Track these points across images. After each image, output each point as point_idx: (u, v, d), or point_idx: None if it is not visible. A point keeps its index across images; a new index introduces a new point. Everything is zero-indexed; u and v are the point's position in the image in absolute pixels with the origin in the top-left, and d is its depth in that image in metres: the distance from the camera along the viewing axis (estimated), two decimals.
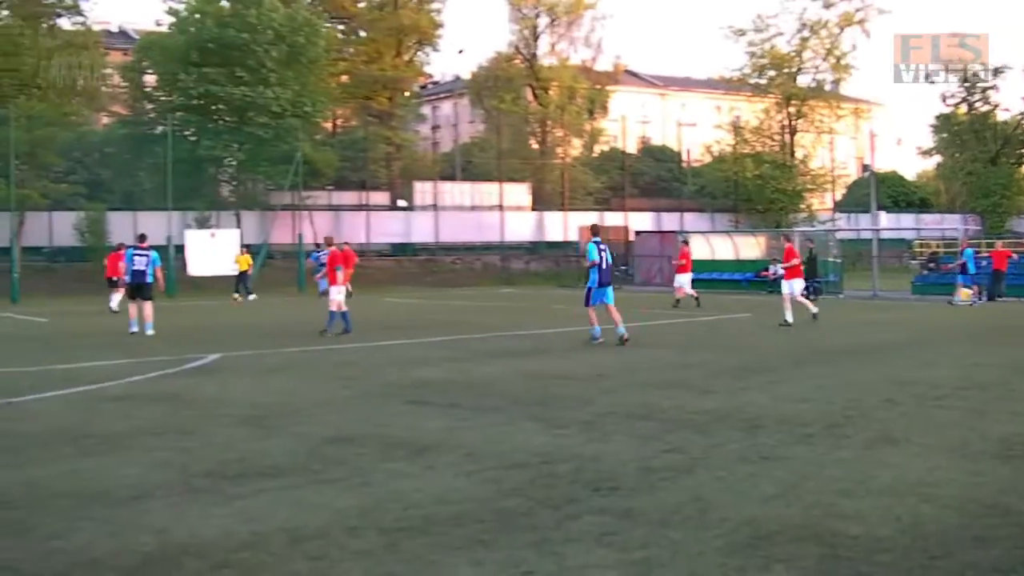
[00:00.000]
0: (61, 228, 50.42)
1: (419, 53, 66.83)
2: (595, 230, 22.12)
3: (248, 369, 16.91)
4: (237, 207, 54.48)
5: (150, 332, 23.84)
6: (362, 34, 64.96)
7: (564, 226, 62.16)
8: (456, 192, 62.83)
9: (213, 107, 52.06)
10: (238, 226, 51.01)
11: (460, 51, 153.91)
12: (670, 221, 64.05)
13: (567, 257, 59.73)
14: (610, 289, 21.32)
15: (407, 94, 68.79)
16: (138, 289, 24.80)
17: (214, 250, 45.82)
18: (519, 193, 63.78)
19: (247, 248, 44.84)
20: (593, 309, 21.27)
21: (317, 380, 15.40)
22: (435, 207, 60.16)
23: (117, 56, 61.33)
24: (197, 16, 51.33)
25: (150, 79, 56.50)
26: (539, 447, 9.84)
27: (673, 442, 10.06)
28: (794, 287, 25.61)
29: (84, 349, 20.79)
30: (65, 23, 51.45)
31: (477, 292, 46.18)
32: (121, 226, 50.78)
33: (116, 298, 32.30)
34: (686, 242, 38.03)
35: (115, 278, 32.66)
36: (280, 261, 53.15)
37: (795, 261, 25.92)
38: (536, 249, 62.37)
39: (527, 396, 13.32)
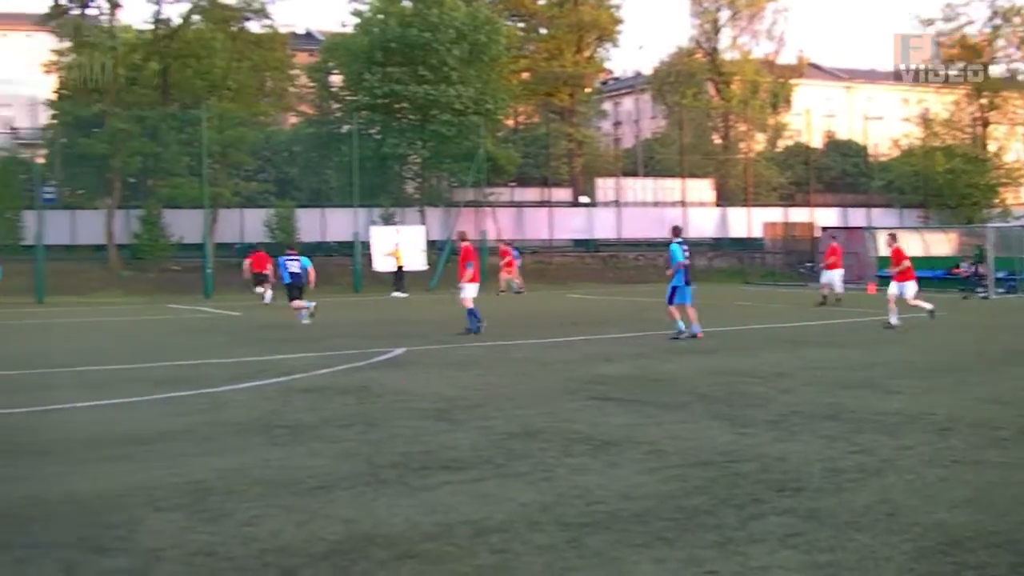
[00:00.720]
0: (252, 225, 51.86)
1: (599, 49, 66.70)
2: (677, 231, 22.65)
3: (433, 363, 17.12)
4: (421, 204, 55.20)
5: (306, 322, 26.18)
6: (542, 31, 65.12)
7: (748, 222, 61.30)
8: (638, 188, 62.52)
9: (397, 105, 52.82)
10: (422, 222, 51.71)
11: (640, 47, 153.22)
12: (856, 217, 62.61)
13: (751, 254, 58.97)
14: (690, 289, 21.74)
15: (588, 90, 68.75)
16: (298, 290, 27.27)
17: (400, 246, 46.52)
18: (702, 189, 63.14)
19: (397, 244, 45.48)
20: (675, 307, 21.57)
21: (501, 374, 15.50)
22: (617, 203, 59.97)
23: (304, 57, 62.72)
24: (380, 17, 52.15)
25: (336, 79, 57.65)
26: (724, 445, 9.73)
27: (860, 443, 9.83)
28: (906, 289, 24.60)
29: (275, 342, 21.34)
30: (254, 26, 52.82)
31: (659, 288, 45.89)
32: (309, 223, 52.13)
33: (268, 294, 35.12)
34: (834, 237, 36.62)
35: (263, 273, 34.80)
36: None
37: (906, 263, 24.89)
38: (719, 245, 61.64)
39: (711, 393, 13.18)
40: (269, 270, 36.16)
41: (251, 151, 54.56)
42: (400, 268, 44.14)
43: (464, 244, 24.28)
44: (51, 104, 55.04)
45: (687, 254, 21.60)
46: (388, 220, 52.08)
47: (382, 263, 46.00)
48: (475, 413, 11.80)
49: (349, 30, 55.01)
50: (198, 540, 6.74)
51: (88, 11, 50.49)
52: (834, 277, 32.13)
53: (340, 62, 55.13)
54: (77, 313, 32.74)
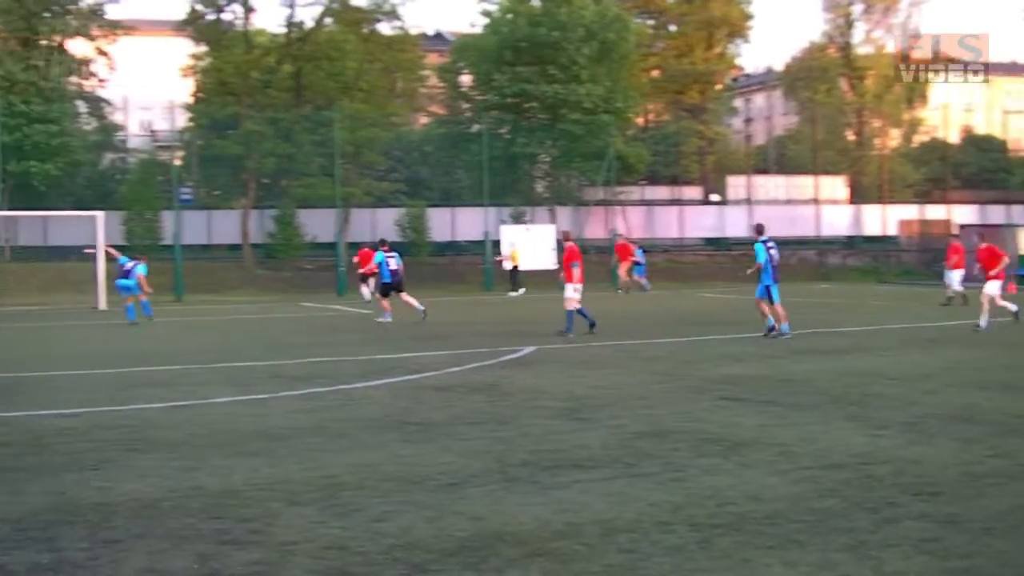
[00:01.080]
0: (383, 224, 52.46)
1: (730, 46, 66.12)
2: (760, 229, 22.32)
3: (563, 362, 17.12)
4: (551, 202, 55.32)
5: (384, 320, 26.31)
6: (672, 28, 64.78)
7: (883, 220, 60.19)
8: (770, 186, 61.84)
9: (526, 105, 53.00)
10: (552, 221, 51.78)
11: (771, 43, 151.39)
12: (996, 214, 61.02)
13: (886, 252, 57.89)
14: (776, 287, 21.25)
15: (719, 87, 68.20)
16: (397, 285, 26.97)
17: (529, 245, 46.64)
18: (835, 186, 62.17)
19: (513, 245, 45.19)
20: (764, 303, 21.35)
21: (630, 374, 15.42)
22: (749, 201, 59.34)
23: (434, 58, 63.25)
24: (509, 16, 52.36)
25: (465, 79, 58.05)
26: (857, 447, 9.55)
27: (999, 447, 9.56)
28: (994, 288, 23.80)
29: (406, 340, 21.54)
30: (385, 28, 53.43)
31: (792, 288, 45.30)
32: (440, 222, 52.55)
33: (366, 291, 35.06)
34: (956, 236, 36.10)
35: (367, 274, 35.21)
36: (593, 256, 53.58)
37: (1006, 261, 24.07)
38: (853, 243, 60.65)
39: (844, 395, 12.95)
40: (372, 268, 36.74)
41: (382, 151, 55.21)
42: (515, 268, 43.76)
43: (568, 244, 23.55)
44: (188, 107, 56.38)
45: (773, 252, 21.19)
46: (518, 219, 52.26)
47: (507, 262, 46.15)
48: (605, 412, 11.76)
49: (478, 30, 55.39)
50: (329, 534, 6.83)
51: (223, 16, 51.57)
52: (953, 277, 31.03)
53: (470, 62, 55.52)
54: (214, 311, 33.45)
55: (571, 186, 58.44)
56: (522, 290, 42.43)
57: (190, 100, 57.14)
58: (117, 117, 59.66)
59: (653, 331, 22.86)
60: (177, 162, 54.74)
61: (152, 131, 72.06)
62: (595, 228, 53.58)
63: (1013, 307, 23.94)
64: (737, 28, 64.29)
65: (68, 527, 7.09)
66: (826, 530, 6.85)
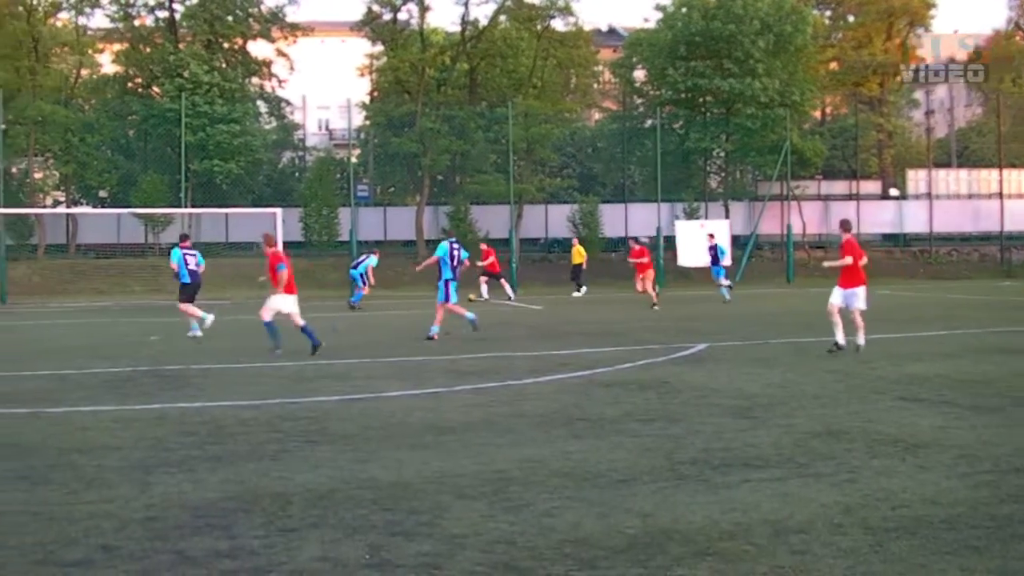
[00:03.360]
0: (555, 220, 52.66)
1: (911, 36, 64.43)
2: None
3: (735, 359, 16.93)
4: (725, 198, 54.81)
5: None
6: (850, 19, 63.45)
7: None
8: (952, 180, 60.09)
9: (700, 99, 52.62)
10: (726, 217, 51.28)
11: (955, 32, 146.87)
12: None
13: None
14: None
15: (899, 79, 66.53)
16: (196, 288, 24.49)
17: (703, 241, 46.23)
18: (1022, 180, 60.09)
19: (580, 240, 43.68)
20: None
21: (804, 372, 15.16)
22: (929, 196, 57.80)
23: (607, 53, 63.23)
24: (683, 11, 52.01)
25: (639, 74, 57.89)
26: None
27: None
28: None
29: (577, 336, 21.57)
30: (558, 24, 53.64)
31: (973, 285, 44.01)
32: (612, 217, 52.50)
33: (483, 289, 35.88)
34: None
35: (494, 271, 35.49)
36: (768, 252, 53.02)
37: None
38: None
39: None
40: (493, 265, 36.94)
41: (555, 147, 55.47)
42: (578, 266, 41.20)
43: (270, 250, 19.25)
44: (364, 106, 57.47)
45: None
46: (692, 214, 51.91)
47: (689, 258, 45.76)
48: (777, 411, 11.59)
49: (652, 25, 55.20)
50: (499, 529, 6.88)
51: (399, 15, 52.42)
52: None
53: (643, 57, 55.38)
54: (389, 306, 33.98)
55: (745, 181, 57.83)
56: (584, 289, 40.25)
57: (366, 99, 58.27)
58: (296, 116, 61.13)
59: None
60: (354, 160, 55.81)
61: (329, 130, 73.70)
62: (770, 224, 52.90)
63: None
64: (918, 17, 62.66)
65: (245, 515, 7.30)
66: (1006, 536, 6.64)
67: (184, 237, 25.77)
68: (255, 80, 55.81)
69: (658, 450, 9.42)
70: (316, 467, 8.81)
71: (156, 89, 51.85)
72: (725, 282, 35.21)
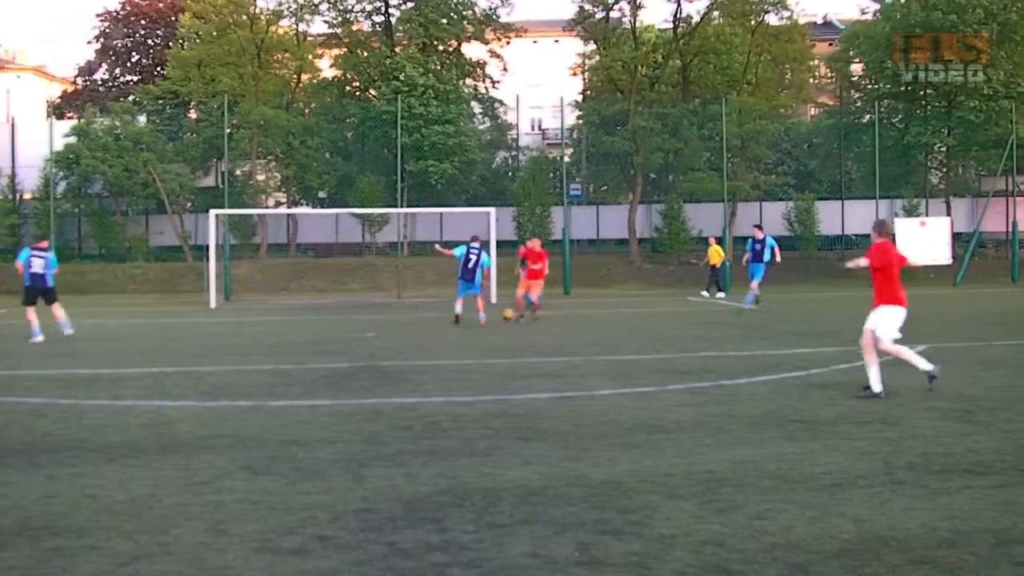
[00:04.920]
0: (770, 218, 51.95)
1: None
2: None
3: (956, 361, 16.39)
4: (946, 194, 53.16)
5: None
6: None
7: None
8: None
9: (921, 92, 51.13)
10: (948, 214, 49.73)
11: None
12: None
13: None
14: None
15: None
16: (37, 293, 22.92)
17: (924, 239, 44.92)
18: None
19: (718, 239, 41.14)
20: None
21: None
22: None
23: (823, 47, 62.03)
24: (903, 1, 50.60)
25: (856, 68, 56.60)
26: None
27: None
28: None
29: (791, 336, 21.28)
30: (772, 19, 52.89)
31: None
32: (829, 215, 51.54)
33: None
34: None
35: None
36: (992, 250, 51.20)
37: None
38: None
39: None
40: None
41: (770, 144, 54.69)
42: (714, 267, 38.78)
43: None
44: (577, 105, 57.66)
45: None
46: (912, 212, 50.53)
47: (910, 256, 44.39)
48: (1000, 416, 11.19)
49: (869, 17, 53.87)
50: (708, 530, 6.84)
51: (612, 14, 52.43)
52: None
53: (861, 50, 54.08)
54: (600, 304, 34.07)
55: (968, 176, 55.94)
56: (721, 294, 38.32)
57: (579, 98, 58.44)
58: (509, 117, 61.76)
59: None
60: (566, 159, 56.12)
61: (542, 129, 74.20)
62: (995, 220, 51.07)
63: None
64: None
65: (457, 510, 7.43)
66: None
67: (40, 238, 26.21)
68: (469, 81, 56.59)
69: (874, 454, 9.21)
70: (527, 464, 8.90)
71: (373, 92, 53.14)
72: (755, 288, 29.60)
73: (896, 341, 13.10)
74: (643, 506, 7.45)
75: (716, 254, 38.60)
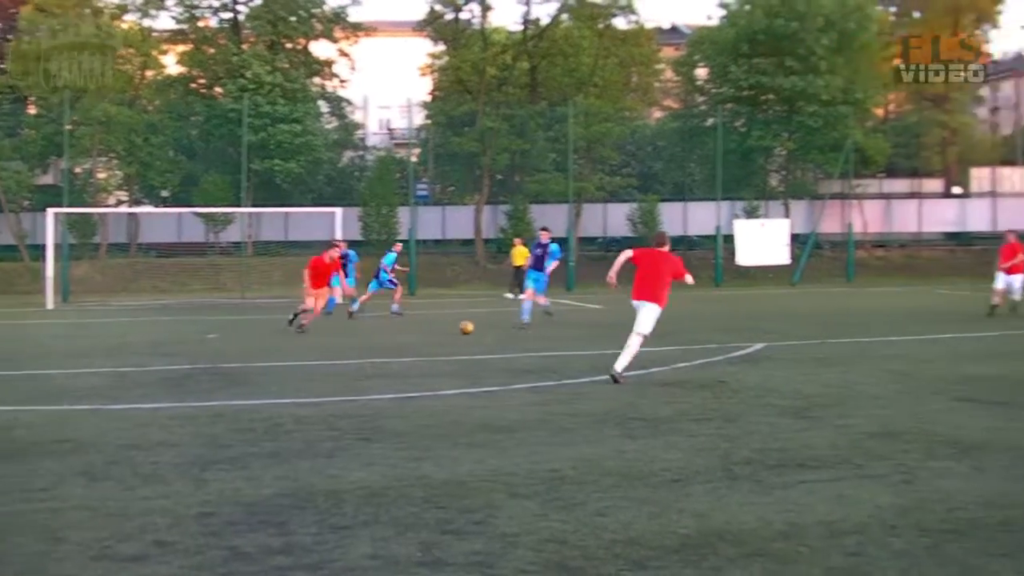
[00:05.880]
0: (615, 219, 52.58)
1: (977, 32, 63.69)
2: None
3: (792, 359, 16.84)
4: (785, 196, 54.47)
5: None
6: (916, 15, 62.79)
7: None
8: (1016, 178, 59.39)
9: (762, 97, 52.31)
10: (786, 215, 50.97)
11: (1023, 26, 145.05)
12: None
13: None
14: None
15: (964, 75, 65.73)
16: None
17: (763, 240, 45.98)
18: None
19: (523, 241, 39.51)
20: None
21: (863, 372, 15.05)
22: (993, 194, 57.20)
23: (669, 51, 63.01)
24: (747, 8, 51.75)
25: (701, 72, 57.66)
26: None
27: None
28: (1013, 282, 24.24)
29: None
30: (620, 22, 53.55)
31: None
32: (672, 216, 52.34)
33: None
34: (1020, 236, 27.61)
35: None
36: (828, 251, 52.61)
37: (1020, 257, 24.55)
38: None
39: None
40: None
41: (616, 146, 55.39)
42: (519, 268, 36.50)
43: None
44: (425, 105, 57.61)
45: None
46: (752, 213, 51.65)
47: (748, 257, 45.50)
48: (833, 411, 11.52)
49: (715, 23, 54.92)
50: (550, 527, 6.89)
51: (461, 15, 52.55)
52: (1013, 282, 26.05)
53: (705, 55, 55.15)
54: (447, 304, 34.07)
55: (806, 179, 57.44)
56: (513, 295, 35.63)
57: (428, 98, 58.41)
58: (357, 116, 61.42)
59: (888, 329, 22.26)
60: (414, 159, 56.02)
61: (390, 129, 73.97)
62: (831, 223, 52.55)
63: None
64: (985, 13, 61.93)
65: (299, 512, 7.37)
66: None
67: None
68: (317, 80, 56.09)
69: (713, 450, 9.39)
70: (370, 465, 8.87)
71: (219, 90, 52.33)
72: (534, 298, 24.57)
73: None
74: (486, 505, 7.48)
75: (520, 255, 37.07)
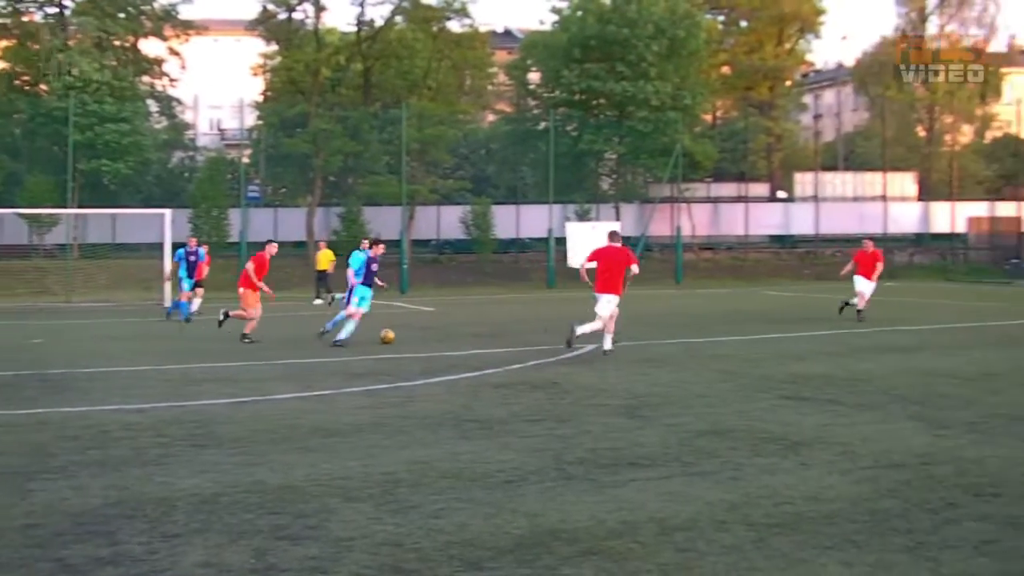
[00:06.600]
0: (448, 222, 52.66)
1: (801, 41, 65.66)
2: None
3: (624, 360, 17.07)
4: (616, 199, 55.23)
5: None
6: (743, 24, 64.41)
7: (952, 217, 59.53)
8: (838, 182, 61.38)
9: (594, 102, 52.97)
10: (617, 218, 51.68)
11: (844, 37, 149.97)
12: None
13: (954, 250, 57.28)
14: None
15: (788, 83, 67.68)
16: None
17: (594, 242, 46.56)
18: (904, 183, 61.56)
19: (328, 243, 40.18)
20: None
21: (692, 372, 15.37)
22: (816, 198, 58.97)
23: (503, 55, 63.41)
24: (579, 14, 52.37)
25: (534, 76, 58.12)
26: (918, 447, 9.49)
27: None
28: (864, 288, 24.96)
29: (468, 338, 21.58)
30: (454, 26, 53.67)
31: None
32: (505, 219, 52.62)
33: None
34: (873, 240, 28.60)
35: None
36: (658, 253, 53.49)
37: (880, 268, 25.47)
38: (921, 241, 60.03)
39: (908, 394, 12.85)
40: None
41: (449, 149, 55.50)
42: (323, 272, 36.79)
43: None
44: (257, 106, 56.96)
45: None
46: (583, 216, 52.23)
47: (580, 259, 45.93)
48: (664, 410, 11.74)
49: (548, 27, 55.41)
50: (385, 531, 6.88)
51: (295, 15, 52.02)
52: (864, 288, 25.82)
53: (538, 59, 55.61)
54: (279, 307, 33.65)
55: (637, 183, 58.33)
56: (331, 297, 34.24)
57: (260, 99, 57.73)
58: (187, 116, 60.33)
59: (717, 329, 22.76)
60: (245, 160, 55.27)
61: (221, 130, 72.88)
62: (660, 226, 53.47)
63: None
64: (808, 23, 63.88)
65: (129, 521, 7.20)
66: (885, 531, 6.83)
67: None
68: (146, 79, 54.86)
69: (546, 450, 9.48)
70: (202, 471, 8.72)
71: (44, 87, 50.80)
72: (186, 299, 27.13)
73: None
74: (320, 510, 7.42)
75: (325, 258, 36.85)
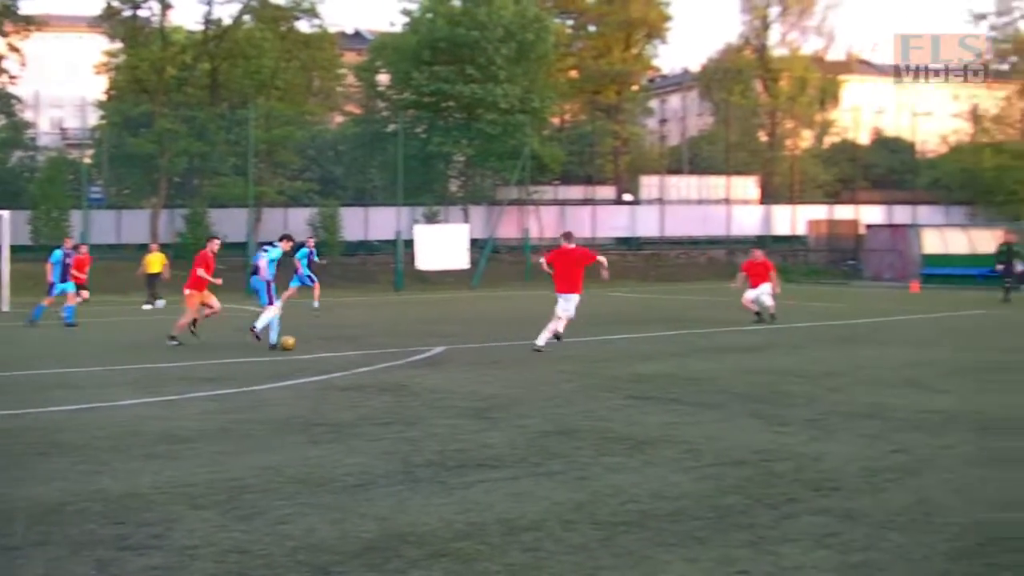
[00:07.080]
0: (295, 224, 52.15)
1: (648, 46, 66.68)
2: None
3: (472, 361, 17.16)
4: (465, 202, 55.38)
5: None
6: (591, 28, 65.17)
7: (792, 220, 61.11)
8: (683, 186, 62.45)
9: (443, 104, 53.01)
10: (466, 220, 51.86)
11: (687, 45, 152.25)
12: (903, 214, 61.95)
13: (794, 251, 58.77)
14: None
15: (635, 88, 68.69)
16: None
17: (442, 245, 46.64)
18: (747, 186, 62.96)
19: (160, 247, 39.35)
20: None
21: (540, 373, 15.51)
22: (661, 201, 59.93)
23: (352, 57, 63.04)
24: (429, 16, 52.35)
25: (383, 78, 57.94)
26: (760, 445, 9.73)
27: (900, 442, 9.83)
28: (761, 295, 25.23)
29: (315, 341, 21.40)
30: (303, 26, 53.22)
31: (703, 287, 45.74)
32: (353, 221, 52.33)
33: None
34: (758, 247, 30.56)
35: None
36: (506, 255, 53.79)
37: (773, 276, 25.71)
38: (763, 243, 61.40)
39: (750, 392, 13.17)
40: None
41: (297, 150, 55.01)
42: (153, 275, 36.04)
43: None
44: (100, 104, 55.65)
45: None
46: (432, 218, 52.26)
47: (428, 262, 46.03)
48: (512, 412, 11.83)
49: (397, 29, 55.37)
50: (232, 538, 6.81)
51: (140, 12, 50.94)
52: (761, 294, 25.94)
53: (388, 61, 55.43)
54: (120, 312, 32.99)
55: (485, 186, 58.53)
56: (160, 302, 35.02)
57: (103, 97, 56.40)
58: (27, 114, 58.63)
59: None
60: (87, 160, 53.99)
61: (63, 129, 70.95)
62: (509, 228, 53.80)
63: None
64: (655, 29, 64.89)
65: None
66: (727, 526, 6.99)
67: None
68: None
69: (395, 453, 9.48)
70: (43, 481, 8.51)
71: None
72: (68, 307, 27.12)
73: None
74: (165, 518, 7.31)
75: (156, 261, 36.09)
